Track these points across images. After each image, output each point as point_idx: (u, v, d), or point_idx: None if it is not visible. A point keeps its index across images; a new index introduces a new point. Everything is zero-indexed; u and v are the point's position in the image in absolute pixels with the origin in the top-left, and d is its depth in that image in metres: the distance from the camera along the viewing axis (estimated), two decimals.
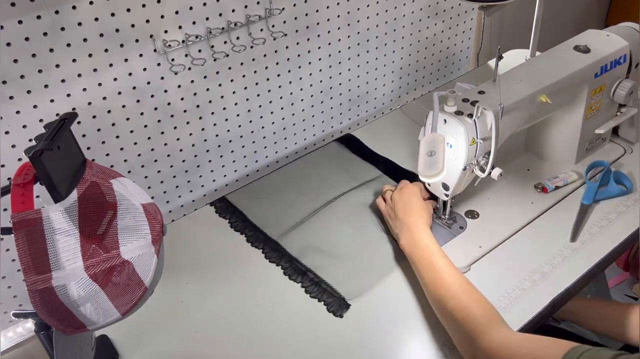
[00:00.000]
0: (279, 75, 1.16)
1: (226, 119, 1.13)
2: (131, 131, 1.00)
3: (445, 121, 0.90)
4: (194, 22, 0.98)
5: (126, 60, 0.94)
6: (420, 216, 0.92)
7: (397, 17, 1.30)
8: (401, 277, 0.93)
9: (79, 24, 0.86)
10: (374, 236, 1.01)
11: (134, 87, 0.97)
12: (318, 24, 1.16)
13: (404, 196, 0.96)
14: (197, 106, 1.07)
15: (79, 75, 0.90)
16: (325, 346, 0.84)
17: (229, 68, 1.08)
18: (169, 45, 0.96)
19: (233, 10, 1.02)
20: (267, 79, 1.15)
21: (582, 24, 2.11)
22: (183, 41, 0.98)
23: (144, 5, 0.91)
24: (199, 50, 1.02)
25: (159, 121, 1.03)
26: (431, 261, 0.84)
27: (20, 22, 0.80)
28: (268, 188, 1.14)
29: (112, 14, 0.88)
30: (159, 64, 0.98)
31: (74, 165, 0.62)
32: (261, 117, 1.19)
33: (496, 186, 1.07)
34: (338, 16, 1.19)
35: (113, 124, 0.97)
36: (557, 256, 0.93)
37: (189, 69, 1.02)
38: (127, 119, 0.99)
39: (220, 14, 1.01)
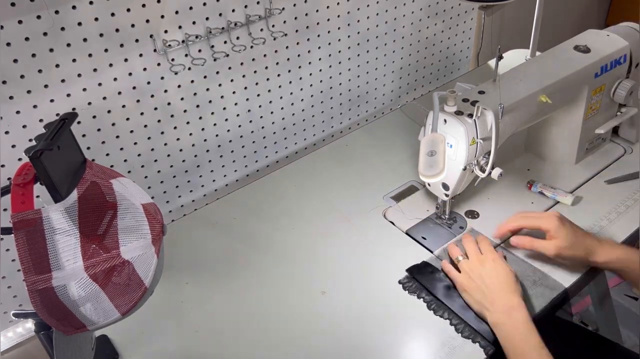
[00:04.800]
0: (279, 75, 1.16)
1: (226, 119, 1.13)
2: (131, 131, 1.00)
3: (445, 121, 0.90)
4: (194, 22, 0.98)
5: (126, 60, 0.94)
6: (515, 293, 0.82)
7: (397, 17, 1.30)
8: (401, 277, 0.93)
9: (79, 24, 0.86)
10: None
11: (134, 87, 0.97)
12: (318, 24, 1.16)
13: (488, 267, 0.85)
14: (197, 106, 1.07)
15: (79, 75, 0.90)
16: (325, 345, 0.84)
17: (229, 68, 1.07)
18: (169, 45, 0.96)
19: (233, 10, 1.02)
20: (267, 79, 1.15)
21: (582, 24, 2.11)
22: (183, 41, 0.98)
23: (144, 5, 0.91)
24: (199, 50, 1.02)
25: (159, 121, 1.03)
26: (532, 355, 0.77)
27: (20, 22, 0.80)
28: None
29: (112, 14, 0.88)
30: (159, 64, 0.98)
31: (74, 165, 0.62)
32: (261, 117, 1.19)
33: (496, 186, 1.07)
34: (338, 16, 1.19)
35: (113, 124, 0.97)
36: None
37: (189, 69, 1.02)
38: (127, 119, 0.99)
39: (220, 14, 1.01)
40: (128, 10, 0.90)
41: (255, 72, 1.12)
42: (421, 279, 0.90)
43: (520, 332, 0.78)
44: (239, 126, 1.16)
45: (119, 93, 0.96)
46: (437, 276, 0.90)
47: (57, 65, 0.87)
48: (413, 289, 0.90)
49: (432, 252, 0.95)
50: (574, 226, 0.89)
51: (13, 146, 0.88)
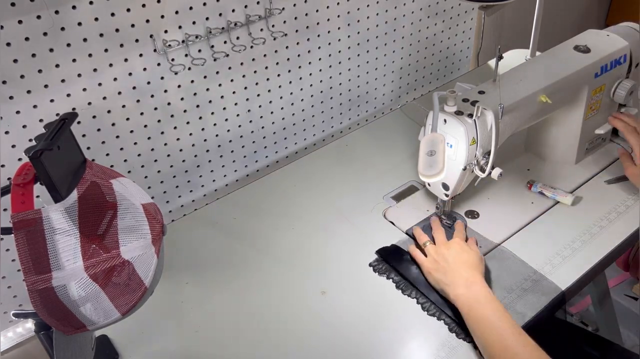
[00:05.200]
0: (279, 75, 1.16)
1: (226, 119, 1.13)
2: (131, 131, 1.00)
3: (445, 121, 0.90)
4: (194, 22, 0.98)
5: (126, 60, 0.94)
6: (476, 270, 0.85)
7: (397, 17, 1.30)
8: None
9: (79, 24, 0.86)
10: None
11: (134, 87, 0.97)
12: (318, 24, 1.16)
13: (453, 250, 0.89)
14: (197, 106, 1.07)
15: (79, 75, 0.90)
16: (325, 345, 0.84)
17: (229, 68, 1.07)
18: (169, 45, 0.96)
19: (233, 10, 1.02)
20: (267, 79, 1.15)
21: (582, 24, 2.11)
22: (183, 41, 0.98)
23: (144, 5, 0.91)
24: (199, 50, 1.02)
25: (159, 121, 1.03)
26: (493, 319, 0.78)
27: (20, 22, 0.80)
28: None
29: (112, 14, 0.88)
30: (159, 64, 0.98)
31: (74, 165, 0.62)
32: (261, 117, 1.19)
33: (496, 186, 1.07)
34: (338, 16, 1.19)
35: (113, 124, 0.97)
36: (557, 256, 0.93)
37: (189, 69, 1.02)
38: (127, 119, 0.99)
39: (220, 14, 1.01)
40: (128, 10, 0.90)
41: (255, 72, 1.12)
42: (390, 260, 0.95)
43: (480, 301, 0.81)
44: (239, 126, 1.16)
45: (119, 93, 0.96)
46: (405, 258, 0.95)
47: (57, 65, 0.87)
48: (383, 271, 0.94)
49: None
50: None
51: (13, 146, 0.88)
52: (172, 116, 1.04)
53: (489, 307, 0.79)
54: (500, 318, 0.78)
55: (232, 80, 1.09)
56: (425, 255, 0.92)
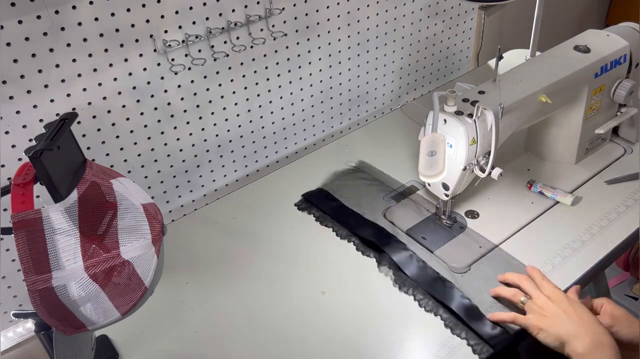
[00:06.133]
0: (279, 75, 1.16)
1: (226, 119, 1.13)
2: (131, 131, 1.00)
3: (445, 121, 0.90)
4: (194, 22, 0.98)
5: (126, 60, 0.94)
6: (605, 330, 0.77)
7: (397, 17, 1.30)
8: None
9: (79, 24, 0.86)
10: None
11: (134, 87, 0.97)
12: (318, 24, 1.16)
13: (562, 302, 0.80)
14: (197, 106, 1.07)
15: (79, 75, 0.90)
16: (325, 345, 0.84)
17: (229, 68, 1.08)
18: (169, 45, 0.96)
19: (233, 10, 1.02)
20: (267, 79, 1.15)
21: (582, 24, 2.11)
22: (183, 41, 0.98)
23: (144, 5, 0.91)
24: (199, 50, 1.02)
25: (159, 121, 1.03)
26: None
27: (20, 22, 0.80)
28: None
29: (112, 14, 0.88)
30: (159, 64, 0.98)
31: (74, 165, 0.62)
32: (261, 117, 1.19)
33: (496, 186, 1.07)
34: (338, 16, 1.19)
35: (113, 124, 0.97)
36: (557, 256, 0.93)
37: (189, 69, 1.02)
38: (127, 119, 0.99)
39: (220, 14, 1.01)
40: (128, 10, 0.90)
41: (255, 72, 1.12)
42: (313, 200, 1.08)
43: None
44: (239, 126, 1.16)
45: (119, 93, 0.96)
46: (330, 197, 1.08)
47: (57, 66, 0.87)
48: (304, 208, 1.07)
49: (432, 252, 0.95)
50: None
51: (13, 146, 0.88)
52: (172, 116, 1.04)
53: None
54: None
55: (232, 81, 1.09)
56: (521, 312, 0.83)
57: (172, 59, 0.99)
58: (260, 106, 1.17)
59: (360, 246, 0.98)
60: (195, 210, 1.12)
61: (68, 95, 0.90)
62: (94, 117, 0.95)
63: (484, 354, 0.80)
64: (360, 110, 1.38)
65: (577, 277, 0.90)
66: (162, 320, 0.89)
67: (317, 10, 1.14)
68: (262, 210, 1.09)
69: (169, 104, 1.03)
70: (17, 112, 0.86)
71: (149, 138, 1.03)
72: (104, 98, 0.94)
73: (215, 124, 1.12)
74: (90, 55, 0.89)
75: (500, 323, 0.83)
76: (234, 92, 1.11)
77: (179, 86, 1.02)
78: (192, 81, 1.04)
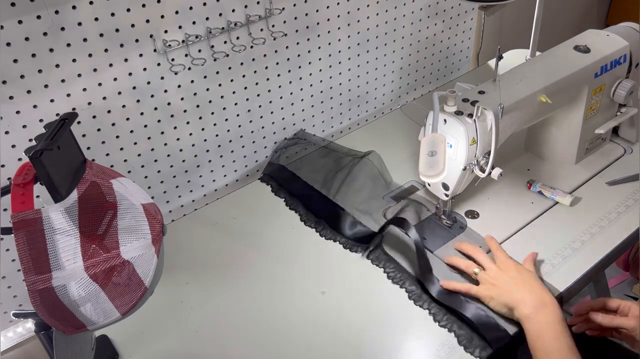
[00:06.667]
0: (279, 75, 1.16)
1: (226, 119, 1.13)
2: (131, 131, 1.00)
3: (445, 121, 0.90)
4: (194, 22, 0.98)
5: (126, 60, 0.94)
6: (545, 291, 0.82)
7: (397, 17, 1.30)
8: None
9: (79, 24, 0.86)
10: None
11: (134, 87, 0.97)
12: (318, 24, 1.16)
13: (512, 272, 0.86)
14: (197, 106, 1.07)
15: (79, 75, 0.90)
16: (325, 345, 0.84)
17: (229, 68, 1.07)
18: (169, 45, 0.96)
19: (233, 10, 1.02)
20: (267, 79, 1.15)
21: (582, 24, 2.11)
22: (183, 41, 0.98)
23: (144, 5, 0.91)
24: (199, 50, 1.02)
25: (159, 121, 1.03)
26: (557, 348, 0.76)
27: (20, 22, 0.80)
28: None
29: (112, 14, 0.88)
30: (159, 64, 0.98)
31: (74, 165, 0.62)
32: (261, 117, 1.19)
33: (496, 186, 1.07)
34: (338, 16, 1.19)
35: (113, 124, 0.97)
36: (557, 256, 0.93)
37: (189, 69, 1.02)
38: (127, 119, 0.99)
39: (220, 14, 1.01)
40: (128, 10, 0.90)
41: (255, 72, 1.12)
42: (278, 179, 1.14)
43: (552, 328, 0.78)
44: (239, 126, 1.16)
45: (119, 93, 0.96)
46: (294, 178, 1.13)
47: (57, 66, 0.87)
48: (265, 179, 1.15)
49: (432, 252, 0.95)
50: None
51: (13, 146, 0.88)
52: (172, 116, 1.04)
53: (560, 340, 0.76)
54: (568, 354, 0.75)
55: (232, 81, 1.09)
56: (474, 282, 0.88)
57: (172, 59, 0.99)
58: (260, 106, 1.17)
59: (347, 243, 1.00)
60: (195, 210, 1.12)
61: (68, 95, 0.90)
62: (94, 117, 0.95)
63: (485, 353, 0.80)
64: (360, 110, 1.38)
65: (577, 277, 0.90)
66: (162, 320, 0.89)
67: (317, 10, 1.14)
68: (262, 210, 1.09)
69: (169, 104, 1.03)
70: (17, 112, 0.86)
71: (149, 138, 1.03)
72: (104, 98, 0.94)
73: (215, 124, 1.12)
74: (90, 55, 0.89)
75: (454, 291, 0.88)
76: (234, 92, 1.11)
77: (179, 86, 1.02)
78: (192, 81, 1.04)
